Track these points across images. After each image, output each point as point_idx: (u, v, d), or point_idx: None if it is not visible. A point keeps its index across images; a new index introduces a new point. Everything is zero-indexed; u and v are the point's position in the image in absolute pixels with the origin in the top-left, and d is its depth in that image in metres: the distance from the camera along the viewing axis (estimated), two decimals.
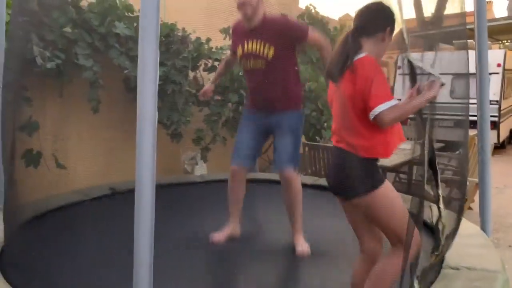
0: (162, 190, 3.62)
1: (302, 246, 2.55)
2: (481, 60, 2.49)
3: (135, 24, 3.97)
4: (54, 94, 3.65)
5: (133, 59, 3.86)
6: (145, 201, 1.33)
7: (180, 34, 4.26)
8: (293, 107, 2.63)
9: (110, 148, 4.04)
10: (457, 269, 2.02)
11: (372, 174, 1.65)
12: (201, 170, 4.67)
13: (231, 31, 2.82)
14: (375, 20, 1.73)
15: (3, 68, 2.60)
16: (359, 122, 1.63)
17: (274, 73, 2.53)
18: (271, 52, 2.48)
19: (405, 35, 1.77)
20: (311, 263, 2.46)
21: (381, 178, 1.68)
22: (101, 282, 2.09)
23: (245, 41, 2.53)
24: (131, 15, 4.01)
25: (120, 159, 4.11)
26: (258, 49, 2.50)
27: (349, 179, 1.65)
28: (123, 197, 3.13)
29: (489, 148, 2.62)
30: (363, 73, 1.61)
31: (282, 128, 2.61)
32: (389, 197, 1.68)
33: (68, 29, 3.52)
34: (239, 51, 2.58)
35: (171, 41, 4.19)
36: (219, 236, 2.64)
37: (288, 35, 2.51)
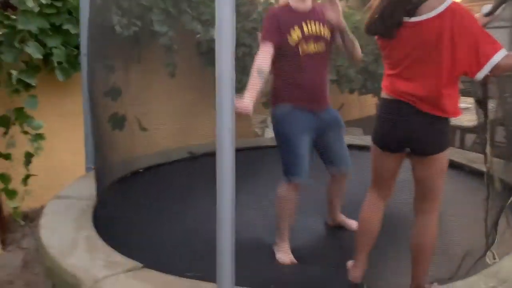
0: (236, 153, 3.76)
1: (349, 221, 2.60)
2: None
3: None
4: (133, 60, 3.83)
5: (204, 24, 3.92)
6: (226, 161, 1.40)
7: None
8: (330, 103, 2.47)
9: (187, 110, 4.21)
10: None
11: (447, 133, 1.65)
12: (271, 133, 4.72)
13: (268, 21, 2.30)
14: None
15: (88, 38, 2.76)
16: (449, 77, 1.53)
17: (329, 58, 2.37)
18: (328, 33, 2.29)
19: None
20: None
21: (449, 139, 1.69)
22: (184, 238, 2.23)
23: (303, 23, 2.26)
24: None
25: (197, 121, 4.26)
26: (319, 30, 2.27)
27: (430, 139, 1.62)
28: (203, 160, 3.29)
29: None
30: (464, 20, 1.47)
31: (338, 124, 2.45)
32: (447, 159, 1.67)
33: None
34: (295, 36, 2.26)
35: (241, 2, 4.17)
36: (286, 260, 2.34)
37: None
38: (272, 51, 2.21)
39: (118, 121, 3.57)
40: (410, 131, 1.62)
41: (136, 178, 3.06)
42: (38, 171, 3.32)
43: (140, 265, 1.78)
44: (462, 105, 4.97)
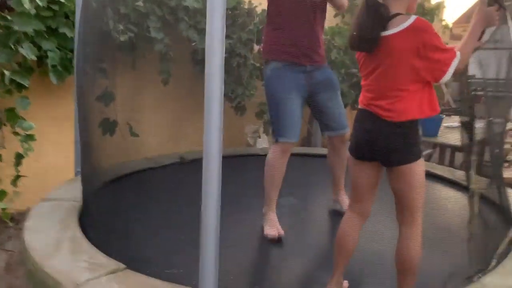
0: (225, 161, 3.76)
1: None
2: None
3: None
4: (127, 66, 3.84)
5: (201, 32, 3.95)
6: (213, 169, 1.40)
7: (246, 7, 4.28)
8: (325, 61, 2.40)
9: (179, 118, 4.22)
10: None
11: (419, 143, 1.66)
12: (263, 143, 4.74)
13: None
14: None
15: (79, 40, 2.77)
16: (412, 85, 1.61)
17: (323, 12, 2.35)
18: None
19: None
20: None
21: (421, 148, 1.69)
22: (170, 243, 2.23)
23: None
24: None
25: (188, 129, 4.28)
26: None
27: (401, 147, 1.64)
28: (191, 166, 3.31)
29: None
30: (422, 35, 1.57)
31: (333, 84, 2.37)
32: (423, 169, 1.68)
33: (140, 3, 3.67)
34: None
35: (238, 14, 4.22)
36: (272, 233, 2.35)
37: None
38: None
39: (110, 126, 3.57)
40: (375, 140, 1.66)
41: (125, 181, 3.05)
42: (27, 173, 3.30)
43: (123, 266, 1.77)
44: (451, 124, 5.04)
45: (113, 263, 1.80)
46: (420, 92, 1.62)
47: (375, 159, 1.70)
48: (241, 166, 3.69)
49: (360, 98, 1.76)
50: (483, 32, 1.71)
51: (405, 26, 1.57)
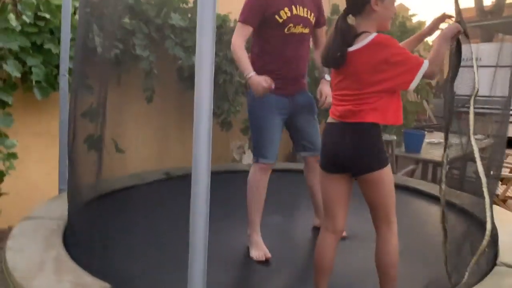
0: (211, 177, 3.75)
1: None
2: None
3: (189, 15, 4.09)
4: (112, 83, 3.83)
5: (187, 50, 3.98)
6: (202, 186, 1.40)
7: (232, 25, 4.34)
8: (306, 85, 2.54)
9: (163, 135, 4.21)
10: (511, 266, 1.97)
11: (383, 151, 1.74)
12: (248, 159, 4.75)
13: (255, 2, 2.31)
14: None
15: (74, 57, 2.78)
16: (376, 93, 1.70)
17: (308, 43, 2.47)
18: (313, 20, 2.42)
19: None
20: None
21: (387, 156, 1.77)
22: (156, 261, 2.21)
23: (293, 5, 2.33)
24: (185, 6, 4.13)
25: (173, 145, 4.26)
26: (305, 13, 2.36)
27: (366, 153, 1.71)
28: (177, 182, 3.30)
29: None
30: (383, 50, 1.67)
31: (312, 108, 2.49)
32: (390, 175, 1.76)
33: (126, 20, 3.68)
34: (284, 15, 2.31)
35: (224, 31, 4.27)
36: (259, 256, 2.38)
37: (318, 12, 2.47)
38: (248, 35, 2.32)
39: (95, 142, 3.54)
40: (343, 150, 1.73)
41: (111, 198, 3.02)
42: (9, 191, 3.24)
43: (108, 286, 1.74)
44: (433, 140, 5.12)
45: (98, 283, 1.77)
46: (384, 101, 1.70)
47: (344, 170, 1.76)
48: (227, 182, 3.68)
49: (331, 109, 1.85)
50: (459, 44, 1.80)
51: (366, 43, 1.68)
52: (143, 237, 2.46)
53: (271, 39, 2.33)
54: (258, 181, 2.40)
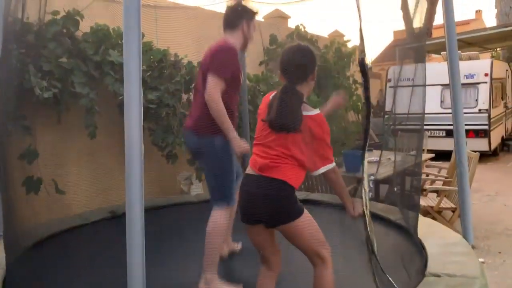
0: (159, 210, 3.73)
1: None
2: (453, 72, 2.62)
3: None
4: (52, 122, 3.78)
5: None
6: (136, 221, 1.44)
7: (172, 59, 4.43)
8: None
9: (107, 171, 4.16)
10: (438, 276, 2.13)
11: (297, 202, 1.86)
12: (197, 190, 4.78)
13: (232, 57, 2.52)
14: (309, 64, 1.94)
15: None
16: (303, 156, 1.84)
17: None
18: None
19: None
20: None
21: (301, 205, 1.88)
22: None
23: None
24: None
25: (118, 182, 4.22)
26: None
27: (282, 208, 1.83)
28: (122, 219, 3.26)
29: (465, 159, 2.74)
30: (322, 130, 1.86)
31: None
32: (309, 220, 1.87)
33: (64, 59, 3.68)
34: (241, 77, 2.67)
35: (164, 66, 4.34)
36: None
37: None
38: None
39: (34, 185, 3.46)
40: (259, 202, 1.84)
41: (53, 242, 2.94)
42: None
43: None
44: (372, 158, 5.35)
45: None
46: (297, 167, 1.84)
47: (260, 221, 1.86)
48: (175, 215, 3.70)
49: (250, 160, 1.94)
50: None
51: (314, 113, 1.86)
52: (88, 278, 2.42)
53: (229, 89, 2.50)
54: (223, 225, 2.48)
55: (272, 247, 1.94)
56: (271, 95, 1.95)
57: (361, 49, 1.84)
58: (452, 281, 2.06)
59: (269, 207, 1.80)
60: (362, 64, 1.85)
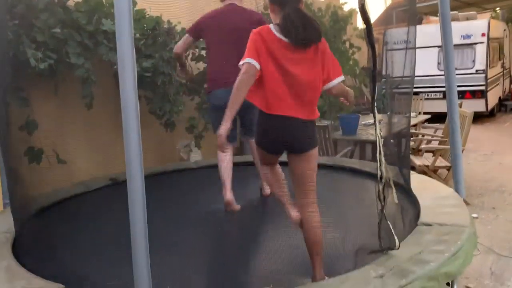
0: (159, 177, 3.81)
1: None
2: (445, 33, 2.63)
3: None
4: (49, 93, 3.80)
5: None
6: (137, 187, 1.49)
7: (166, 26, 4.40)
8: None
9: (105, 141, 4.22)
10: (430, 225, 2.22)
11: (315, 134, 2.04)
12: (196, 157, 4.85)
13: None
14: None
15: None
16: (314, 95, 1.96)
17: None
18: None
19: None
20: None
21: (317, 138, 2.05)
22: (106, 261, 2.28)
23: None
24: None
25: (116, 151, 4.28)
26: None
27: (307, 137, 1.97)
28: (123, 186, 3.35)
29: (457, 116, 2.80)
30: (327, 51, 1.96)
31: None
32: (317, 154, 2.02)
33: (57, 30, 3.66)
34: None
35: (158, 33, 4.33)
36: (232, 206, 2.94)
37: None
38: None
39: (35, 155, 3.52)
40: (286, 136, 1.95)
41: (58, 207, 3.04)
42: None
43: (62, 286, 1.82)
44: (368, 121, 5.39)
45: (51, 285, 1.83)
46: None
47: (282, 151, 2.02)
48: (175, 181, 3.78)
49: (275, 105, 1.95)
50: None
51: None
52: (92, 240, 2.52)
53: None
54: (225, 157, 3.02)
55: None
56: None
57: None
58: (443, 229, 2.16)
59: (297, 136, 1.94)
60: (362, 10, 1.82)
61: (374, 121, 2.12)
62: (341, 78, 1.99)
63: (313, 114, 1.96)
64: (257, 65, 1.86)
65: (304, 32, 1.87)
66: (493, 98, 9.36)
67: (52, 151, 3.57)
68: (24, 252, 2.23)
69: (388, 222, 1.98)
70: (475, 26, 8.79)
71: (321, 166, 3.87)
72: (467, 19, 9.03)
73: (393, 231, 1.98)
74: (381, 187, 2.04)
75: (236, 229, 2.88)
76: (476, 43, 8.68)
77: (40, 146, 3.42)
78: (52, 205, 3.04)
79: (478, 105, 8.36)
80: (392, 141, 4.26)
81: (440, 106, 7.95)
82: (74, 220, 2.75)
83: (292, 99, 1.89)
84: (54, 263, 2.15)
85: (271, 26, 1.95)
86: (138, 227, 1.50)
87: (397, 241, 1.97)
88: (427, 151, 5.10)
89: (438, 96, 8.44)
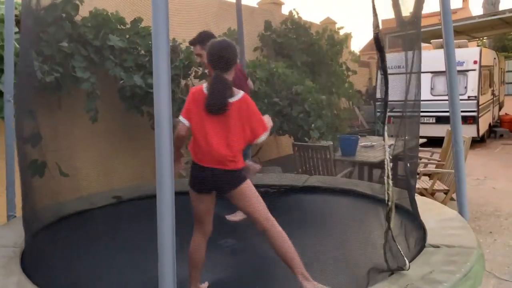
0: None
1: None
2: (449, 59, 2.71)
3: (127, 36, 4.16)
4: (54, 106, 3.81)
5: (127, 70, 4.04)
6: (166, 201, 1.50)
7: (171, 44, 4.46)
8: None
9: (108, 154, 4.21)
10: (438, 247, 2.25)
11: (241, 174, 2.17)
12: None
13: None
14: (233, 56, 2.18)
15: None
16: (238, 144, 2.13)
17: None
18: None
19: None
20: None
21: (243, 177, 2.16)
22: (116, 279, 2.26)
23: None
24: (123, 27, 4.19)
25: (119, 164, 4.27)
26: None
27: (227, 183, 2.13)
28: (129, 204, 3.36)
29: (461, 139, 2.86)
30: (252, 109, 2.15)
31: None
32: (250, 186, 2.15)
33: (64, 44, 3.69)
34: None
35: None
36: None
37: None
38: None
39: (38, 168, 3.49)
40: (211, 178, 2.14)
41: (64, 223, 3.00)
42: None
43: None
44: (366, 143, 5.48)
45: None
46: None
47: (211, 191, 2.16)
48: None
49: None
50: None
51: (239, 97, 2.13)
52: (100, 257, 2.49)
53: None
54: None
55: (210, 215, 2.22)
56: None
57: (375, 24, 1.89)
58: (451, 251, 2.18)
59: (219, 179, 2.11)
60: (377, 39, 1.91)
61: (384, 144, 2.16)
62: (267, 133, 2.19)
63: (235, 165, 2.12)
64: (187, 123, 2.17)
65: (211, 99, 2.10)
66: (484, 124, 9.54)
67: (55, 164, 3.55)
68: (33, 267, 2.20)
69: (396, 243, 2.01)
70: (467, 54, 9.02)
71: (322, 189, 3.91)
72: (459, 46, 9.27)
73: (401, 251, 2.02)
74: (387, 209, 2.07)
75: None
76: (468, 70, 8.90)
77: (43, 159, 3.40)
78: (62, 218, 3.02)
79: (469, 131, 8.50)
80: (399, 163, 4.33)
81: (434, 131, 8.13)
82: (84, 235, 2.72)
83: (211, 153, 2.11)
84: (63, 278, 2.12)
85: (204, 85, 2.20)
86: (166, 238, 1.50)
87: (407, 261, 2.00)
88: (424, 174, 5.17)
89: (431, 121, 8.59)
